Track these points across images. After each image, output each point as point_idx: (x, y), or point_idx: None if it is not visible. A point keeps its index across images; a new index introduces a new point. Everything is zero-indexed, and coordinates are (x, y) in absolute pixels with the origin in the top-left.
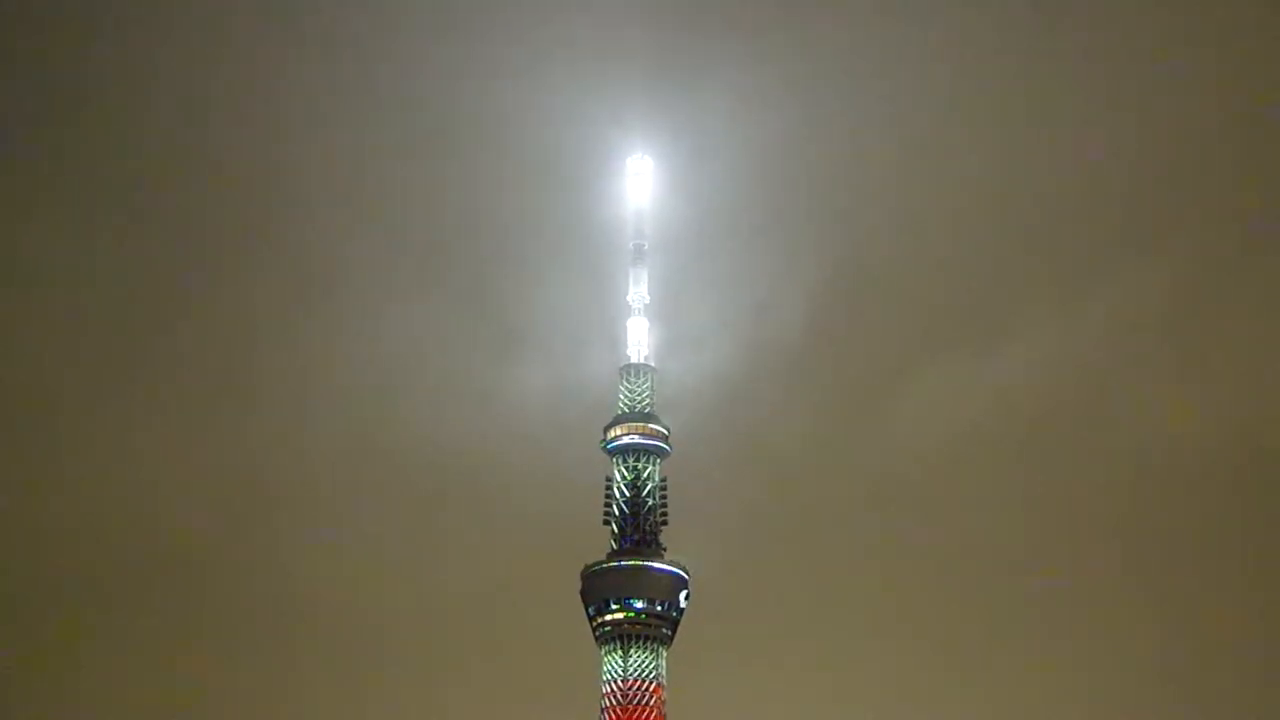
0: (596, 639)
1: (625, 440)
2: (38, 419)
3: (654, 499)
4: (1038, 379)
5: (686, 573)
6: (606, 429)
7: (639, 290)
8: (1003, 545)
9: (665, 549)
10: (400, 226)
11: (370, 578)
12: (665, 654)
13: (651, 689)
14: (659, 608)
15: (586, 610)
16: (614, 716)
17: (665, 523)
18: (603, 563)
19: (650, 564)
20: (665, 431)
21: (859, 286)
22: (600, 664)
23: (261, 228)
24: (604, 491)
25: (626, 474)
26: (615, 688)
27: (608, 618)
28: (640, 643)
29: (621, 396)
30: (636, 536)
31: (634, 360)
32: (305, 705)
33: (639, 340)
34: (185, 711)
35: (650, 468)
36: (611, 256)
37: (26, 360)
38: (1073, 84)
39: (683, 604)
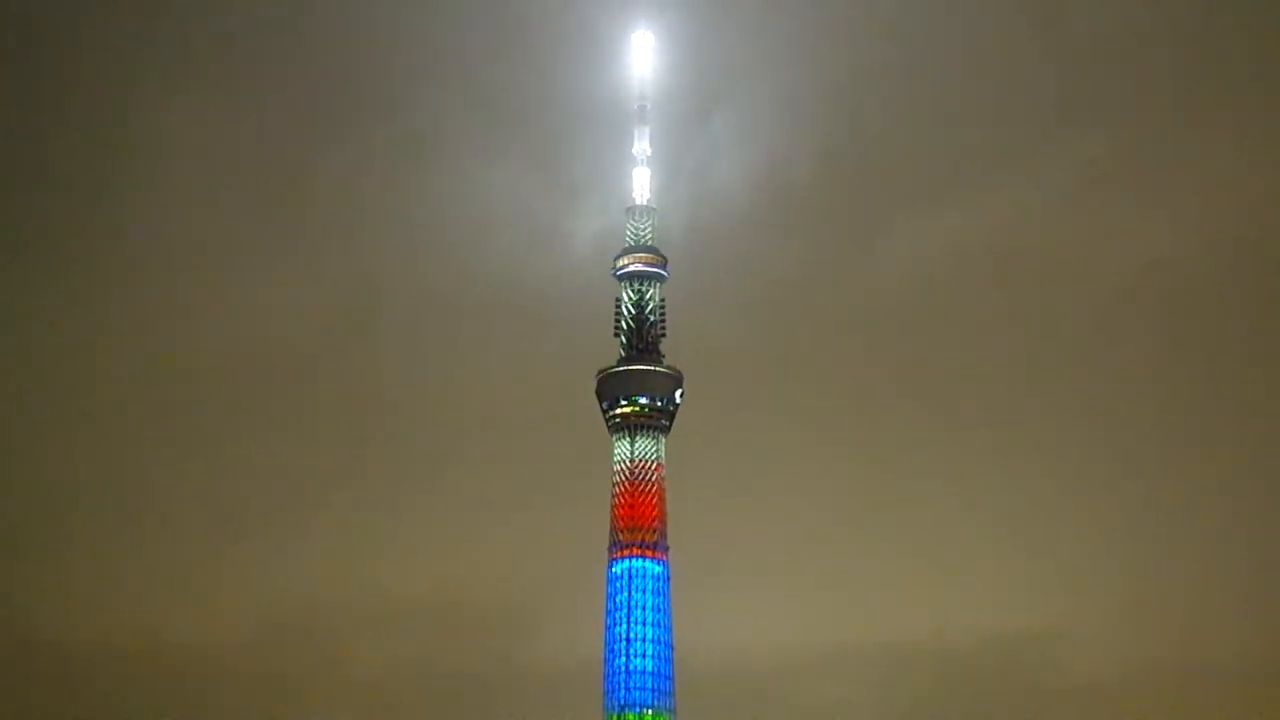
0: (609, 428)
1: (631, 268)
2: (180, 262)
3: (655, 316)
4: (1006, 220)
5: (681, 375)
6: (615, 259)
7: (642, 145)
8: (971, 359)
9: (664, 356)
10: (472, 100)
11: (444, 382)
12: (664, 440)
13: (653, 467)
14: (659, 403)
15: (601, 405)
16: (624, 489)
17: (664, 335)
18: (614, 367)
19: (652, 368)
20: (663, 260)
21: (853, 140)
22: (612, 448)
23: (369, 101)
24: (614, 310)
25: (632, 295)
26: (624, 467)
27: (618, 411)
28: (644, 431)
29: (628, 233)
30: (641, 346)
31: (638, 203)
32: (378, 483)
33: (642, 186)
34: (295, 492)
35: (652, 290)
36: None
37: (169, 214)
38: None
39: (678, 400)
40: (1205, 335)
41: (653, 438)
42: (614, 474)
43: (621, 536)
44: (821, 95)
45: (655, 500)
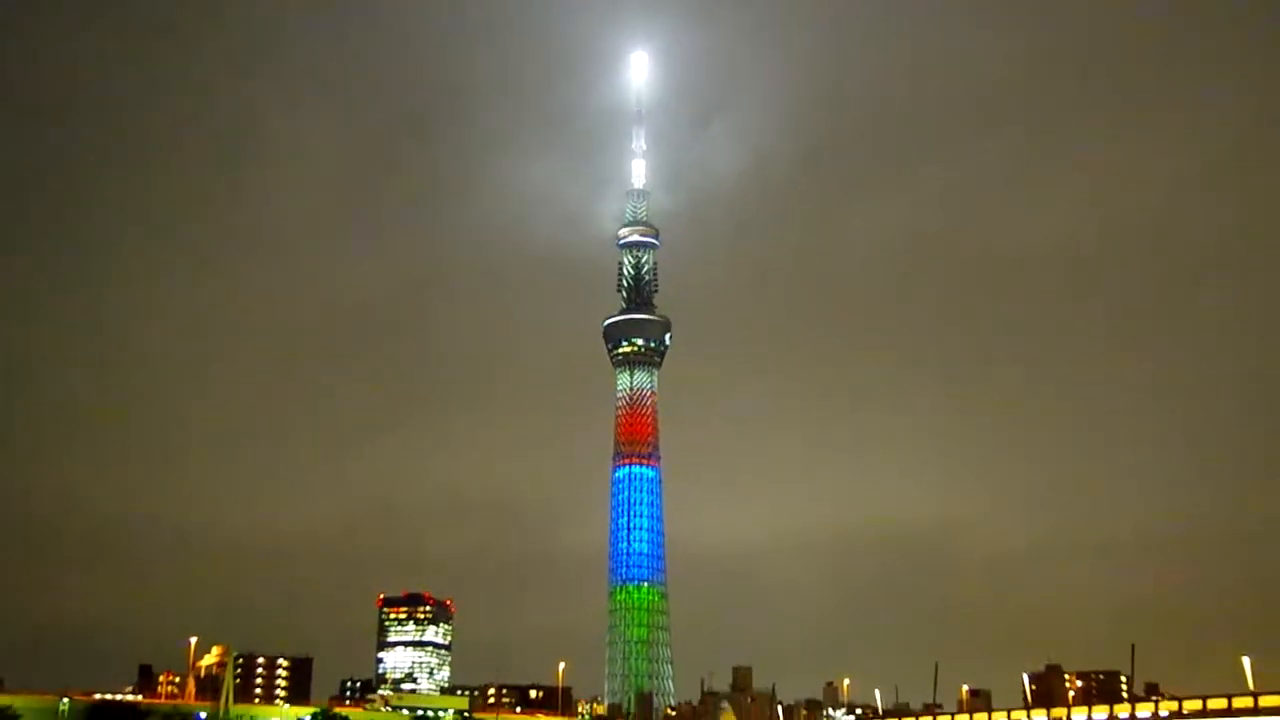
0: (613, 364)
1: (630, 238)
2: (286, 228)
3: (649, 275)
4: (941, 206)
5: (669, 322)
6: (618, 231)
7: (639, 141)
8: (911, 308)
9: (657, 307)
10: (519, 108)
11: (490, 329)
12: (657, 374)
13: (648, 395)
14: (652, 344)
15: (606, 346)
16: (625, 413)
17: (656, 290)
18: (616, 316)
19: (647, 316)
20: (655, 231)
21: (828, 139)
22: (615, 380)
23: (439, 109)
24: (617, 271)
25: (631, 260)
26: (625, 394)
27: (620, 350)
28: (641, 366)
29: (627, 210)
30: (638, 299)
31: (636, 187)
32: (440, 408)
33: (639, 173)
34: (377, 415)
35: (646, 255)
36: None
37: (276, 200)
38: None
39: (667, 342)
40: (1109, 288)
41: (647, 371)
42: (617, 400)
43: (623, 448)
44: (802, 100)
45: (649, 420)
